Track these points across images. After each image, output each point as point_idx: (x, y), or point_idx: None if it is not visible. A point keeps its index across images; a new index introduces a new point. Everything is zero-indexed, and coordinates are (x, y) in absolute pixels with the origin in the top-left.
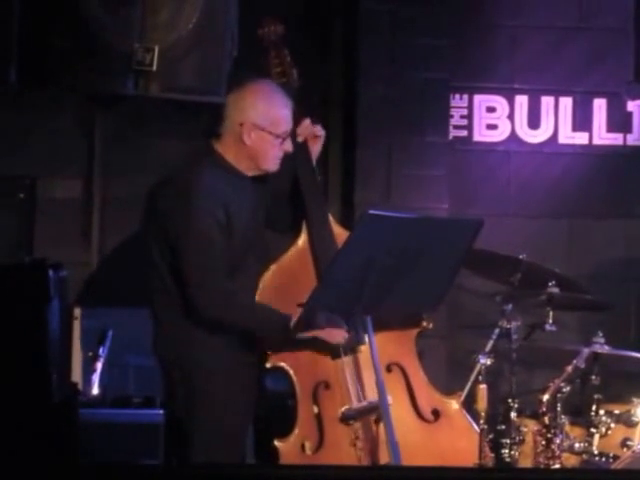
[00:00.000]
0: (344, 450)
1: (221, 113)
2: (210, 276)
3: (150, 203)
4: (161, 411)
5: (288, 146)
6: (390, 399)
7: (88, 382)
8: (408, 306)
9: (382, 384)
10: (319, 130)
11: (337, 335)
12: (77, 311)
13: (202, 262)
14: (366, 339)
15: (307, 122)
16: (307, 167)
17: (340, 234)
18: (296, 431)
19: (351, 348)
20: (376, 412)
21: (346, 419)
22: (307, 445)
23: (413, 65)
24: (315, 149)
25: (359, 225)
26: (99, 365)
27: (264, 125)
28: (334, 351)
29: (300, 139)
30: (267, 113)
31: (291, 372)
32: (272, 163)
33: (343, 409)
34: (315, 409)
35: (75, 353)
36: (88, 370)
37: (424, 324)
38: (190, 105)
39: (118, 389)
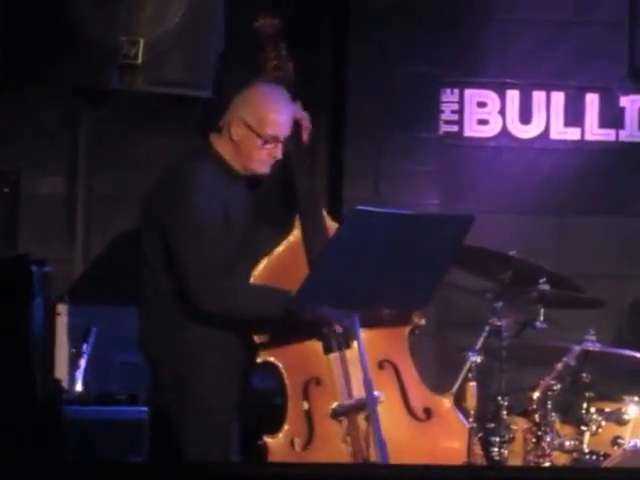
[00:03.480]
0: (334, 446)
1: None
2: (210, 272)
3: (147, 199)
4: (145, 408)
5: (277, 152)
6: (382, 395)
7: (72, 379)
8: (398, 303)
9: (369, 382)
10: (306, 121)
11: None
12: (61, 308)
13: (201, 259)
14: None
15: (298, 103)
16: (299, 154)
17: (333, 228)
18: (286, 427)
19: (344, 343)
20: (367, 409)
21: (337, 415)
22: (296, 441)
23: (403, 60)
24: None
25: (347, 222)
26: (83, 362)
27: (250, 123)
28: (326, 347)
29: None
30: (257, 112)
31: (282, 368)
32: (258, 165)
33: (334, 405)
34: (305, 405)
35: (59, 350)
36: (72, 367)
37: (416, 321)
38: (176, 99)
39: (102, 386)
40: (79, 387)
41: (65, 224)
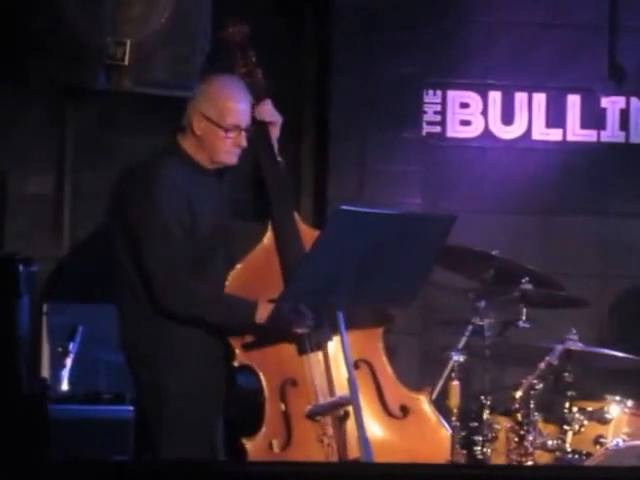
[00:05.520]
0: (312, 447)
1: (185, 107)
2: (172, 274)
3: (114, 197)
4: (131, 407)
5: (241, 141)
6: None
7: (57, 378)
8: (380, 302)
9: (354, 380)
10: (275, 114)
11: (301, 324)
12: (46, 307)
13: (163, 260)
14: (333, 336)
15: (267, 103)
16: (268, 154)
17: (306, 231)
18: (263, 430)
19: (317, 344)
20: (343, 408)
21: (313, 415)
22: (275, 443)
23: (386, 61)
24: (273, 134)
25: (332, 221)
26: (69, 361)
27: (211, 115)
28: (301, 347)
29: (258, 118)
30: (216, 104)
31: (258, 370)
32: (225, 156)
33: (310, 406)
34: (282, 407)
35: (43, 349)
36: (57, 366)
37: (393, 320)
38: (162, 100)
39: (88, 385)
40: (65, 386)
41: (52, 223)
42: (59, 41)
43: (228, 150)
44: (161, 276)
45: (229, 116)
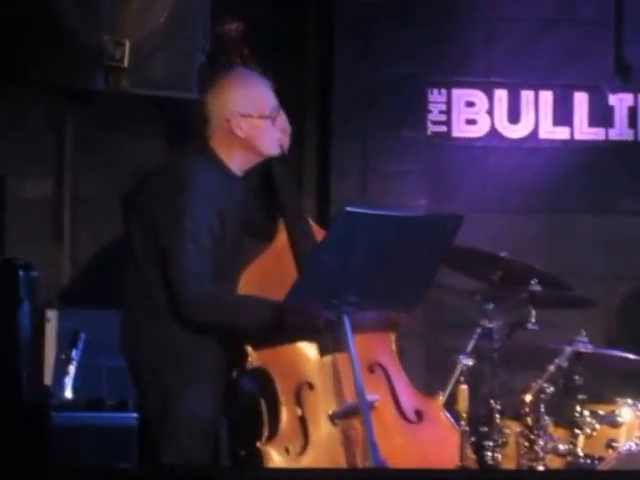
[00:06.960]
0: (330, 451)
1: (203, 115)
2: (198, 282)
3: (139, 200)
4: (135, 414)
5: (281, 123)
6: (378, 396)
7: (61, 385)
8: (387, 305)
9: (361, 385)
10: (286, 124)
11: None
12: (49, 313)
13: (194, 263)
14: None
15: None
16: (280, 163)
17: (318, 231)
18: (279, 434)
19: (335, 347)
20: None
21: (335, 418)
22: (291, 448)
23: (390, 60)
24: (284, 144)
25: (336, 223)
26: (72, 368)
27: (251, 112)
28: (318, 350)
29: None
30: (249, 99)
31: (273, 374)
32: (273, 146)
33: (333, 408)
34: (299, 411)
35: (47, 356)
36: (60, 373)
37: (401, 324)
38: (162, 101)
39: (91, 392)
40: (68, 393)
41: (52, 227)
42: (56, 41)
43: (275, 138)
44: (189, 281)
45: (266, 103)
